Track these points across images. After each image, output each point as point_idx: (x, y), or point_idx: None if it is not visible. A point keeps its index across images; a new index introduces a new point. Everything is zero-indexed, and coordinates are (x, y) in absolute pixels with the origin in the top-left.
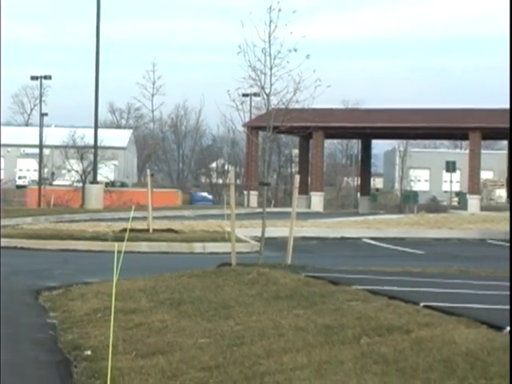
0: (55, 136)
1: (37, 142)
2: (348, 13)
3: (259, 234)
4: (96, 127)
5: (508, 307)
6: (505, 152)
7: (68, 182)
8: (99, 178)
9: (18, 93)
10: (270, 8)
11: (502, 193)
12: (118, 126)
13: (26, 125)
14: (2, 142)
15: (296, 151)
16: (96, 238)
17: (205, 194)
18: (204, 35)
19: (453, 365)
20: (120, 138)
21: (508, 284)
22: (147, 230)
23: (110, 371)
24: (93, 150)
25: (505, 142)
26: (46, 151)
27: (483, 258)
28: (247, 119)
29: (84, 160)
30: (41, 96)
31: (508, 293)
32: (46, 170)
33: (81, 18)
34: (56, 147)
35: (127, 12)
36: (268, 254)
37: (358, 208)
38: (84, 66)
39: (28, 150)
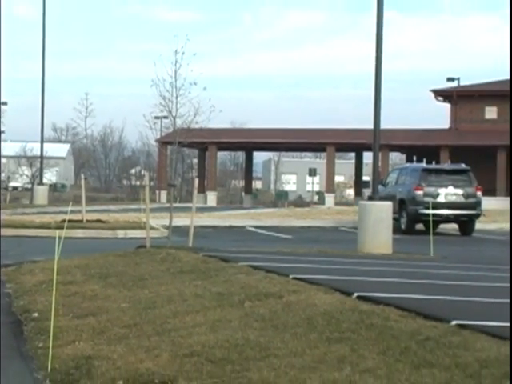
0: (10, 148)
1: None
2: (236, 55)
3: (167, 223)
4: (42, 142)
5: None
6: (353, 161)
7: (20, 184)
8: (44, 180)
9: None
10: (176, 51)
11: (350, 192)
12: (59, 141)
13: None
14: None
15: (195, 160)
16: (42, 226)
17: None
18: (126, 72)
19: (314, 322)
20: (60, 150)
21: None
22: (81, 221)
23: (53, 329)
24: (39, 159)
25: (353, 154)
26: (3, 160)
27: (337, 241)
28: (158, 136)
29: (32, 167)
30: None
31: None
32: (3, 175)
33: (31, 56)
34: (11, 157)
35: (66, 52)
36: (174, 238)
37: (243, 203)
38: (33, 94)
39: None
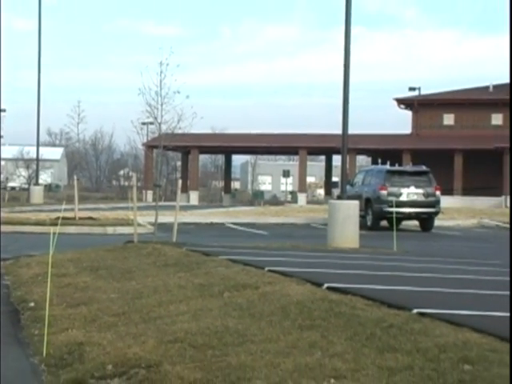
0: (9, 151)
1: None
2: (217, 66)
3: (153, 221)
4: (38, 145)
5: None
6: (323, 163)
7: (18, 184)
8: (40, 181)
9: None
10: (161, 63)
11: (321, 191)
12: (54, 145)
13: None
14: None
15: (179, 163)
16: (38, 223)
17: None
18: (115, 81)
19: (287, 310)
20: (55, 153)
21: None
22: (74, 218)
23: (47, 317)
24: (35, 162)
25: (323, 157)
26: (2, 162)
27: (308, 236)
28: (145, 140)
29: (29, 168)
30: None
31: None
32: (1, 176)
33: (28, 67)
34: (9, 159)
35: (61, 63)
36: (160, 234)
37: (223, 202)
38: (30, 102)
39: None
